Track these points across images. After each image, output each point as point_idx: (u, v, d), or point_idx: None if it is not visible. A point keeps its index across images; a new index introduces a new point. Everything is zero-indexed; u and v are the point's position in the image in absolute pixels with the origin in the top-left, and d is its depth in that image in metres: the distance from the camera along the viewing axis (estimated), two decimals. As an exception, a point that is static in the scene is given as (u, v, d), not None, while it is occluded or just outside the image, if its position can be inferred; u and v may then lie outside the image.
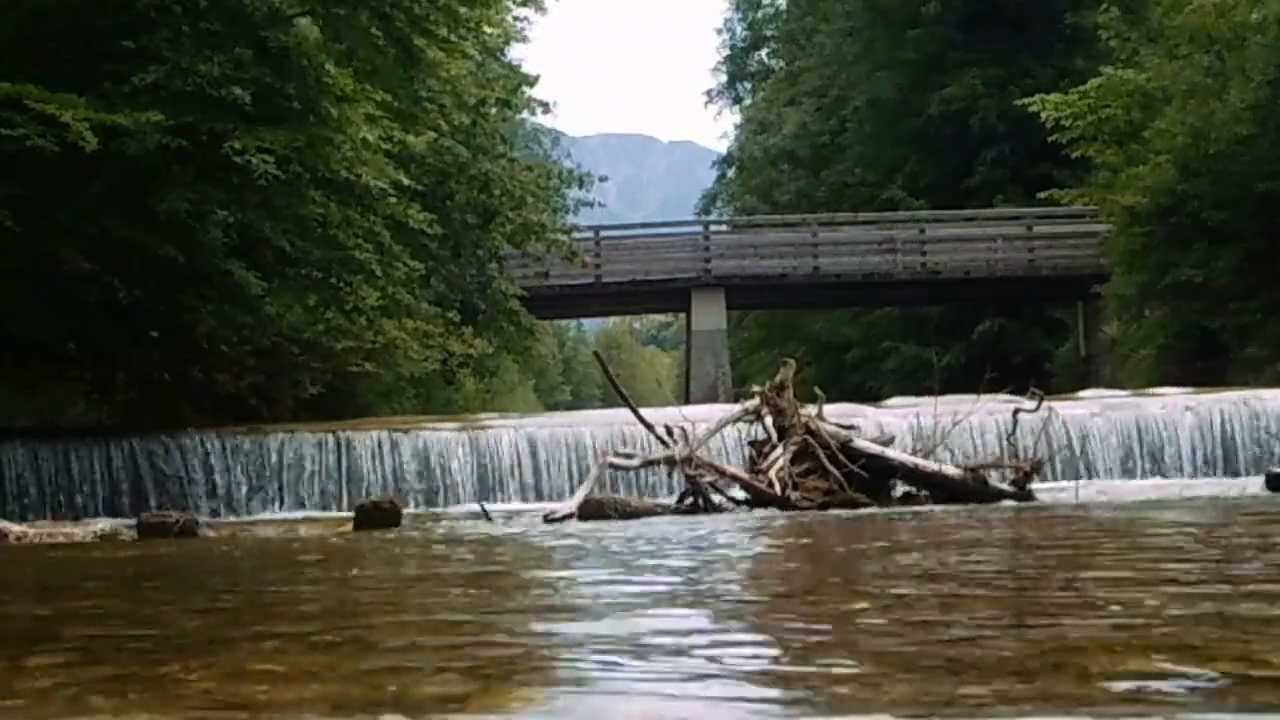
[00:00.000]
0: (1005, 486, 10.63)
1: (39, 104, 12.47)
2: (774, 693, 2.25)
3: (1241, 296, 21.93)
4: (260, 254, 15.97)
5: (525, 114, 28.48)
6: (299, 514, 13.83)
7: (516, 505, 13.73)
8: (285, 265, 16.41)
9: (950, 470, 10.74)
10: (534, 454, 14.81)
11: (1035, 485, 10.93)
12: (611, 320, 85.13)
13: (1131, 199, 23.15)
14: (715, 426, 11.50)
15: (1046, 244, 30.64)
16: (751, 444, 11.35)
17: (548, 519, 9.87)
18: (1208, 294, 22.14)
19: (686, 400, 24.33)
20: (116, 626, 3.72)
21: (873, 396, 23.81)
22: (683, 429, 10.93)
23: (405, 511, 11.06)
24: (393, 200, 16.23)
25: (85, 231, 13.82)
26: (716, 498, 10.67)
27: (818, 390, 11.73)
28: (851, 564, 5.52)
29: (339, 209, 15.59)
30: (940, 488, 10.62)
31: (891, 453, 10.93)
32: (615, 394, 12.28)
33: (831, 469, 10.47)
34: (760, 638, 3.11)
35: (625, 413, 12.23)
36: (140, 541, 9.41)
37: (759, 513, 9.96)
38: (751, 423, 11.31)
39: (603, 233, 32.01)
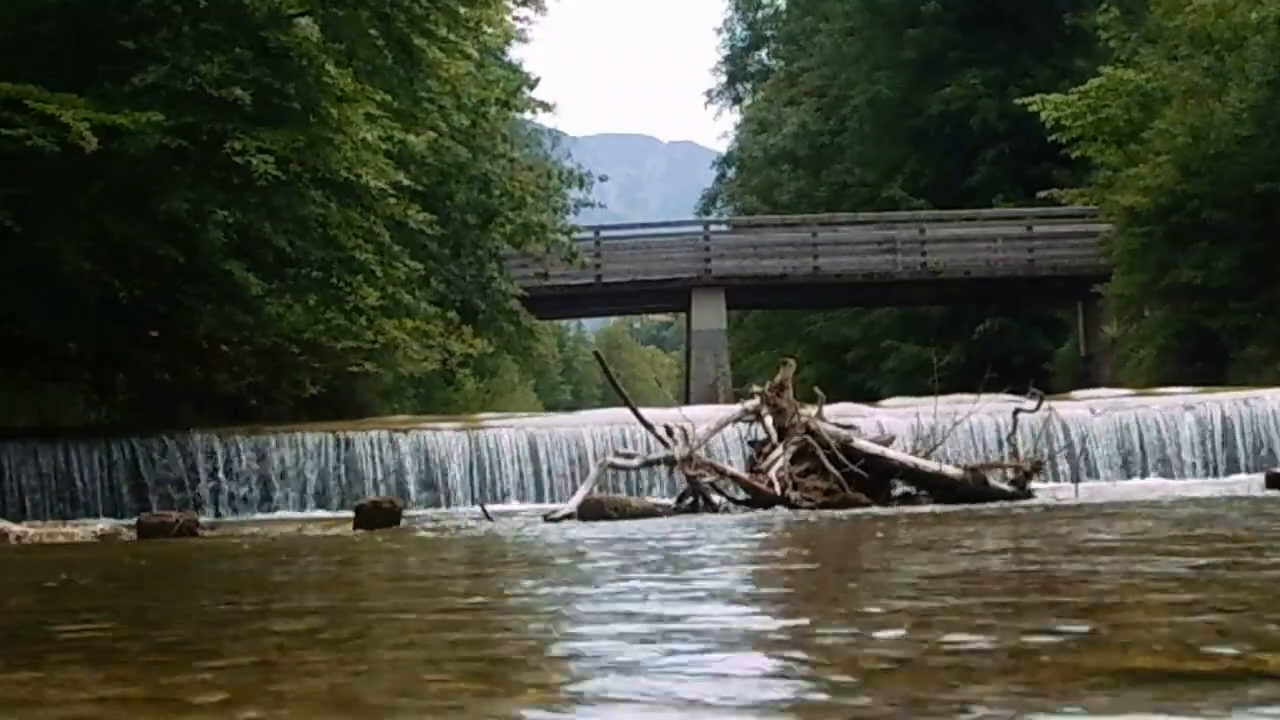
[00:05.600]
0: (1005, 486, 10.62)
1: (39, 104, 12.48)
2: (773, 696, 2.25)
3: (1241, 296, 21.93)
4: (260, 254, 15.98)
5: (526, 114, 28.48)
6: (299, 514, 13.83)
7: (516, 505, 13.73)
8: (285, 265, 16.41)
9: (950, 470, 10.73)
10: (534, 454, 14.82)
11: (1035, 485, 10.93)
12: (611, 320, 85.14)
13: (1131, 199, 23.15)
14: (715, 426, 11.49)
15: (1046, 244, 30.63)
16: (751, 444, 11.35)
17: (548, 519, 9.87)
18: (1207, 294, 22.14)
19: (686, 400, 24.29)
20: (117, 626, 3.72)
21: (873, 396, 23.81)
22: (683, 429, 10.92)
23: (405, 511, 11.06)
24: (393, 200, 16.23)
25: (85, 231, 13.82)
26: (716, 498, 10.66)
27: (818, 390, 11.72)
28: (852, 564, 5.52)
29: (339, 209, 15.59)
30: (940, 488, 10.62)
31: (891, 453, 10.92)
32: (615, 394, 12.28)
33: (831, 469, 10.46)
34: (760, 636, 3.11)
35: (625, 413, 12.22)
36: (140, 541, 9.41)
37: (759, 513, 9.95)
38: (751, 423, 11.30)
39: (603, 233, 31.98)
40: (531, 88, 27.55)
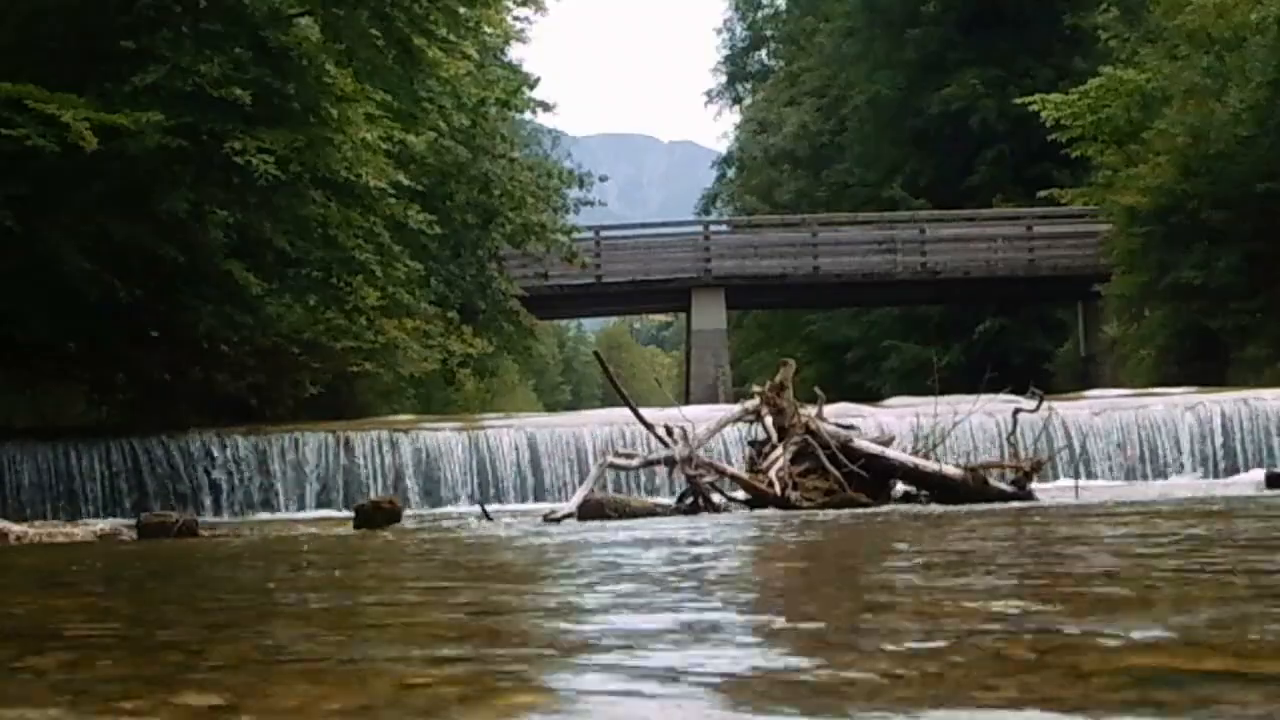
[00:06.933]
0: (1005, 486, 10.61)
1: (39, 104, 12.48)
2: (772, 700, 2.25)
3: (1241, 296, 21.95)
4: (260, 254, 16.00)
5: (526, 114, 28.51)
6: (299, 514, 13.84)
7: (516, 505, 13.73)
8: (285, 265, 16.43)
9: (950, 470, 10.72)
10: (534, 454, 14.83)
11: (1035, 485, 10.92)
12: (611, 320, 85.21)
13: (1131, 199, 23.17)
14: (715, 426, 11.49)
15: (1046, 244, 30.66)
16: (751, 444, 11.34)
17: (547, 519, 9.87)
18: (1207, 294, 22.16)
19: (686, 400, 24.31)
20: (117, 626, 3.72)
21: (873, 396, 23.83)
22: (683, 429, 10.91)
23: (405, 511, 11.06)
24: (393, 200, 16.25)
25: (85, 231, 13.84)
26: (716, 498, 10.66)
27: (818, 390, 11.72)
28: (853, 565, 5.52)
29: (339, 209, 15.61)
30: (940, 488, 10.61)
31: (891, 453, 10.92)
32: (615, 394, 12.28)
33: (831, 469, 10.46)
34: (760, 637, 3.11)
35: (625, 413, 12.22)
36: (140, 541, 9.41)
37: (759, 513, 9.95)
38: (751, 423, 11.29)
39: (603, 233, 32.01)
40: (531, 88, 27.57)
